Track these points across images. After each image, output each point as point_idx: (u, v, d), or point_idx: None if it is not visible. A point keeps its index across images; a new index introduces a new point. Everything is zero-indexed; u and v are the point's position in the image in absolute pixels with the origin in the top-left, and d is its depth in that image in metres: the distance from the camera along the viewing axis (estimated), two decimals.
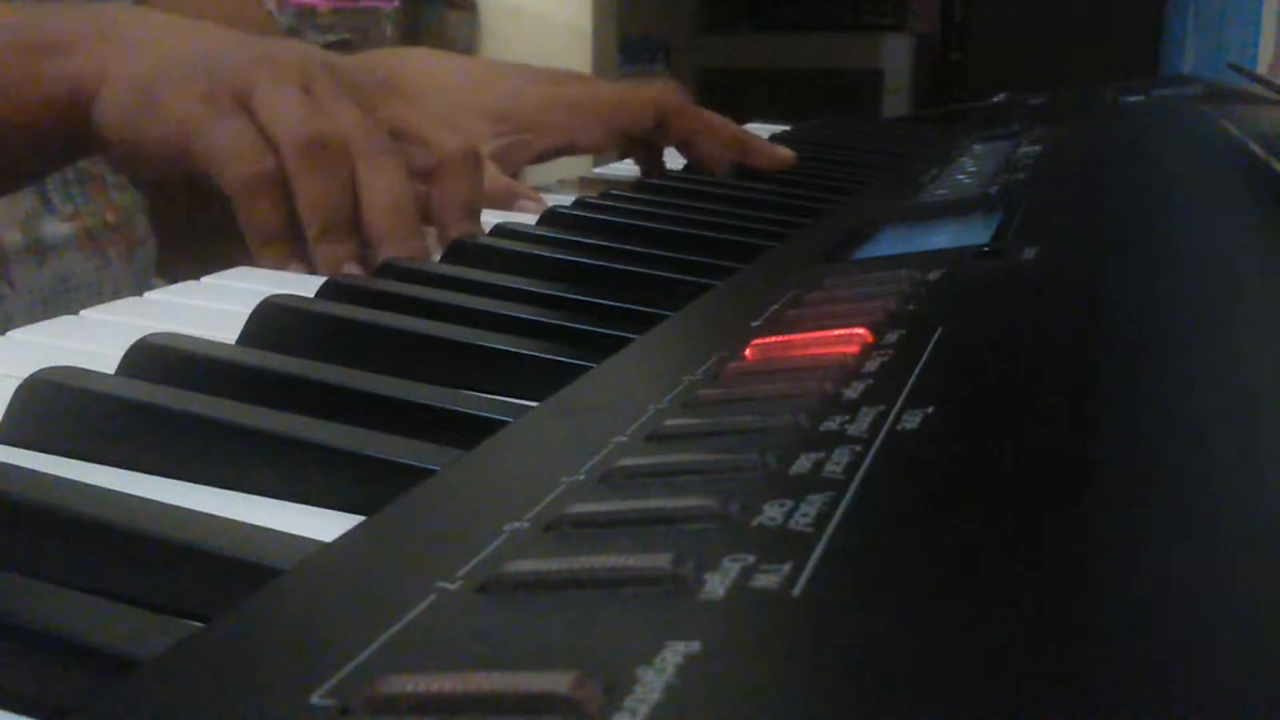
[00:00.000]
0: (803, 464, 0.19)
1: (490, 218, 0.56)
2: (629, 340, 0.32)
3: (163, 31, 0.47)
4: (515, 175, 0.65)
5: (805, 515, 0.17)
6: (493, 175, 0.62)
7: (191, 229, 0.55)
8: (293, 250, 0.44)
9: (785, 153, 0.69)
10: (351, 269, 0.43)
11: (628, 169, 0.78)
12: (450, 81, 0.66)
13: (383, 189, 0.44)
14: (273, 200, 0.43)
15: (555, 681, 0.13)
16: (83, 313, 0.36)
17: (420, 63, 0.68)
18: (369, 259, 0.44)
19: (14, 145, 0.49)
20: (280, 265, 0.43)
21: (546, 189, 0.69)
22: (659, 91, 0.69)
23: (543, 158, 0.69)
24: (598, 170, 0.83)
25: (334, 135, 0.44)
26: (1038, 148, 0.60)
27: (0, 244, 0.67)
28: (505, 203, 0.60)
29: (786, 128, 0.96)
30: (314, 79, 0.45)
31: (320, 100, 0.44)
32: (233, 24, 0.78)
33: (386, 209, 0.44)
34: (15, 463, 0.25)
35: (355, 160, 0.44)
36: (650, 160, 0.74)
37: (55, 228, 0.69)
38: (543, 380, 0.29)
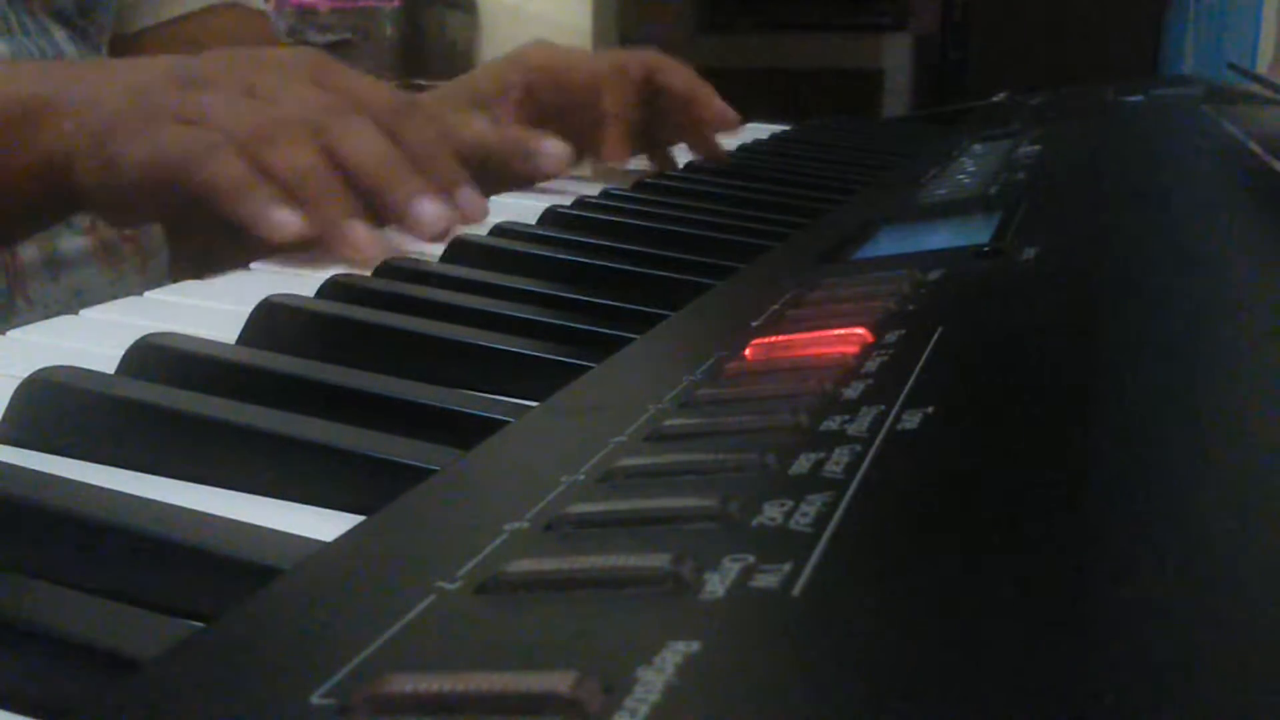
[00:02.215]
0: (803, 464, 0.19)
1: (507, 200, 0.57)
2: (629, 340, 0.32)
3: (111, 83, 0.47)
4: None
5: (805, 515, 0.17)
6: (499, 126, 0.62)
7: (205, 245, 0.56)
8: (273, 194, 0.42)
9: (730, 113, 0.71)
10: (357, 229, 0.42)
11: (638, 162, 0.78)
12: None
13: (359, 144, 0.44)
14: (231, 158, 0.42)
15: (555, 681, 0.13)
16: (83, 312, 0.36)
17: None
18: (382, 223, 0.44)
19: (5, 212, 0.50)
20: (267, 214, 0.41)
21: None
22: (609, 61, 0.69)
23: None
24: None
25: (288, 116, 0.43)
26: (1038, 148, 0.60)
27: (19, 262, 0.67)
28: (518, 152, 0.58)
29: (786, 128, 0.96)
30: (258, 78, 0.45)
31: (267, 94, 0.44)
32: (241, 43, 0.79)
33: (371, 161, 0.44)
34: (15, 463, 0.25)
35: (321, 134, 0.44)
36: (660, 159, 0.75)
37: (71, 241, 0.70)
38: (543, 380, 0.29)
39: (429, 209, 0.45)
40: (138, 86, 0.46)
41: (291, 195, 0.42)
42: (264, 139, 0.43)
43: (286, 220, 0.41)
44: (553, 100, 0.69)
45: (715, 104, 0.71)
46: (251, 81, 0.45)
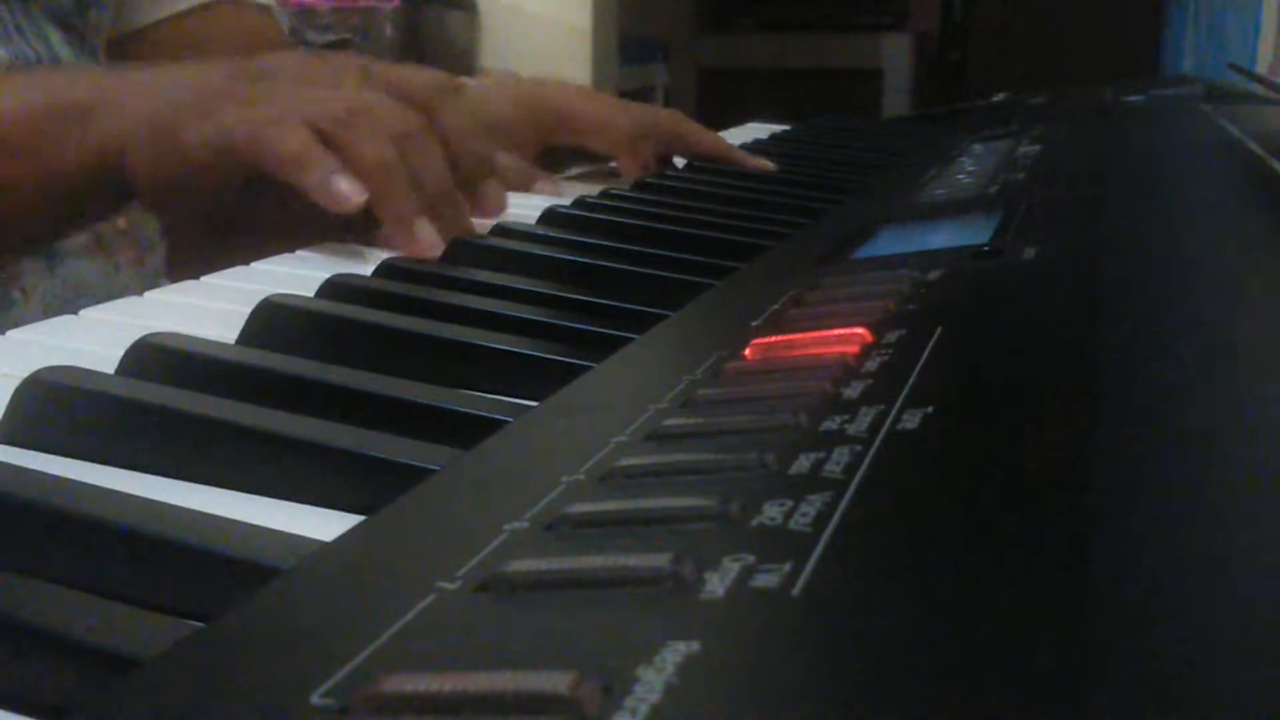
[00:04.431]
0: (802, 464, 0.19)
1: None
2: (629, 340, 0.32)
3: (166, 81, 0.49)
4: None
5: (805, 515, 0.17)
6: (511, 160, 0.63)
7: (206, 242, 0.57)
8: (337, 166, 0.43)
9: (766, 165, 0.71)
10: (425, 231, 0.44)
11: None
12: None
13: (428, 153, 0.46)
14: (299, 129, 0.43)
15: (555, 681, 0.13)
16: (83, 312, 0.36)
17: None
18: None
19: (54, 207, 0.51)
20: (331, 183, 0.42)
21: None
22: (635, 122, 0.70)
23: (545, 161, 0.70)
24: (614, 165, 0.83)
25: (367, 107, 0.45)
26: (1038, 148, 0.60)
27: None
28: (525, 185, 0.61)
29: (786, 127, 0.96)
30: (325, 78, 0.47)
31: (343, 90, 0.46)
32: (253, 45, 0.80)
33: (437, 171, 0.46)
34: (15, 463, 0.25)
35: (393, 132, 0.45)
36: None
37: None
38: (543, 380, 0.29)
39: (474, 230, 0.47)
40: (198, 81, 0.47)
41: (369, 181, 0.43)
42: (344, 124, 0.44)
43: (349, 191, 0.42)
44: (564, 142, 0.70)
45: (751, 164, 0.71)
46: (311, 78, 0.46)
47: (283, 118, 0.43)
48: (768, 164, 0.71)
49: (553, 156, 0.71)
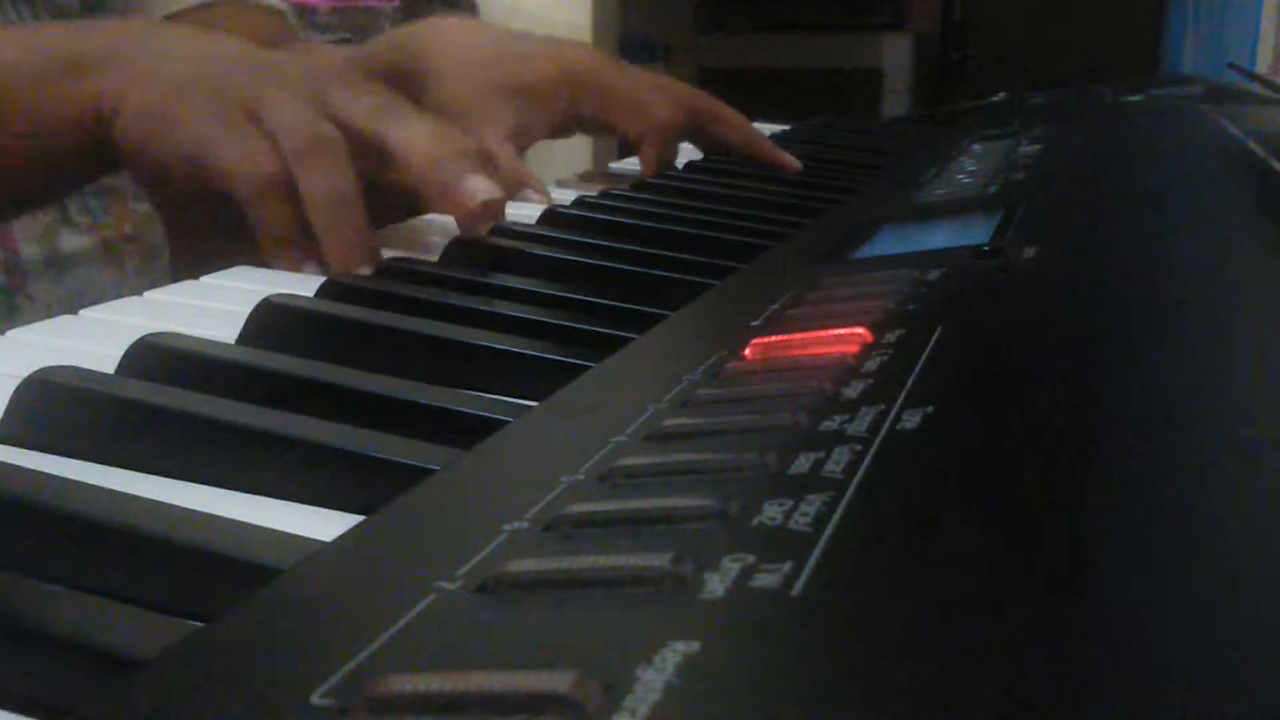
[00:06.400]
0: (802, 464, 0.19)
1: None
2: (629, 340, 0.32)
3: (178, 50, 0.48)
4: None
5: (805, 515, 0.17)
6: (507, 161, 0.63)
7: (203, 240, 0.56)
8: (305, 253, 0.44)
9: (793, 161, 0.70)
10: (366, 270, 0.43)
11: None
12: (467, 60, 0.67)
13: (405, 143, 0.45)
14: (279, 203, 0.43)
15: (555, 681, 0.13)
16: (83, 312, 0.36)
17: (444, 42, 0.69)
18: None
19: (40, 163, 0.49)
20: (293, 268, 0.44)
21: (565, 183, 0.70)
22: (670, 109, 0.69)
23: (557, 133, 0.69)
24: (614, 166, 0.83)
25: (335, 138, 0.44)
26: (1038, 148, 0.60)
27: (19, 258, 0.67)
28: (511, 191, 0.60)
29: (786, 128, 0.96)
30: (323, 88, 0.46)
31: (330, 108, 0.45)
32: (262, 40, 0.79)
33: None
34: (15, 463, 0.25)
35: (366, 139, 0.45)
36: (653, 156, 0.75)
37: (73, 240, 0.70)
38: (543, 380, 0.29)
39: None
40: (205, 58, 0.46)
41: (316, 215, 0.43)
42: (307, 154, 0.43)
43: (307, 273, 0.43)
44: (590, 115, 0.69)
45: (776, 155, 0.71)
46: (320, 89, 0.46)
47: (253, 149, 0.43)
48: (794, 162, 0.70)
49: (576, 125, 0.70)
